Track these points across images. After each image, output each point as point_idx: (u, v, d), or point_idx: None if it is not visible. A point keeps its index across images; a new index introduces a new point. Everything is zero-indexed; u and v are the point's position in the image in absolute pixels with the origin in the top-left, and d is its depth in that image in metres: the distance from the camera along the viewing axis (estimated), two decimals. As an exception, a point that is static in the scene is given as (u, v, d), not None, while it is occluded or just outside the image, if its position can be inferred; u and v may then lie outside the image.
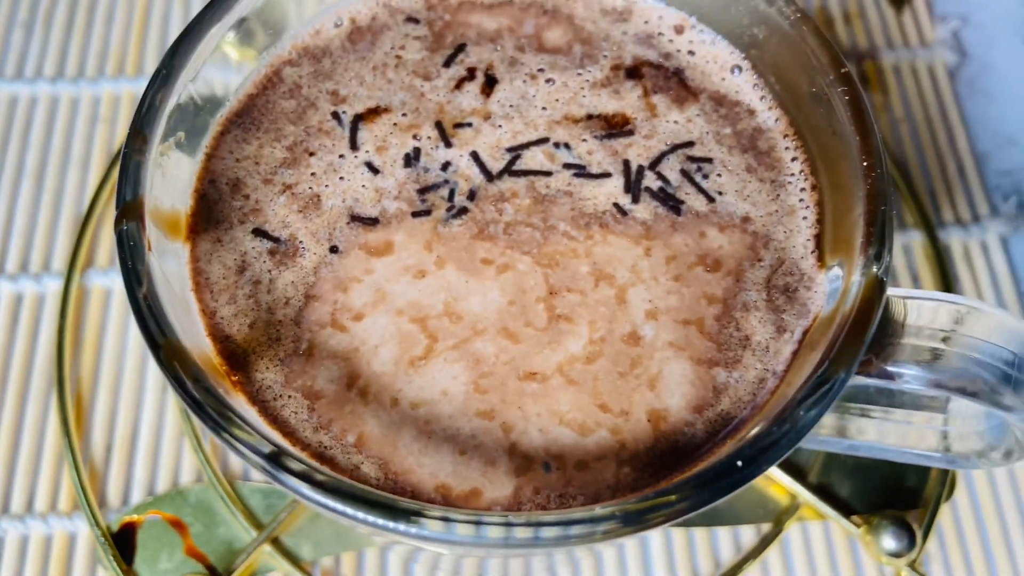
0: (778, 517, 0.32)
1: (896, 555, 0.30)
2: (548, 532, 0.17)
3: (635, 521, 0.17)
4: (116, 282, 0.35)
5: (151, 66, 0.39)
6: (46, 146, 0.37)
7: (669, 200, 0.23)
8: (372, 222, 0.22)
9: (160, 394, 0.33)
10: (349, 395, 0.20)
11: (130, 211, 0.19)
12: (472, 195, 0.23)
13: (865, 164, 0.21)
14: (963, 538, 0.32)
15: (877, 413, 0.26)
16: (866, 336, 0.19)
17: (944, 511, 0.32)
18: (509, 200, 0.23)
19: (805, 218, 0.23)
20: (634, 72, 0.24)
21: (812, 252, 0.22)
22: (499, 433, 0.20)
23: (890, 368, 0.21)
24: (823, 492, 0.32)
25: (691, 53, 0.25)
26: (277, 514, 0.30)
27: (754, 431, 0.19)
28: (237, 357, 0.21)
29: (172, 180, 0.21)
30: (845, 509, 0.32)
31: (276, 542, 0.31)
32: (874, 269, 0.20)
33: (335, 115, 0.23)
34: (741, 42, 0.24)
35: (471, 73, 0.24)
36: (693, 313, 0.21)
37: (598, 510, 0.17)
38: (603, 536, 0.17)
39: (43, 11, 0.40)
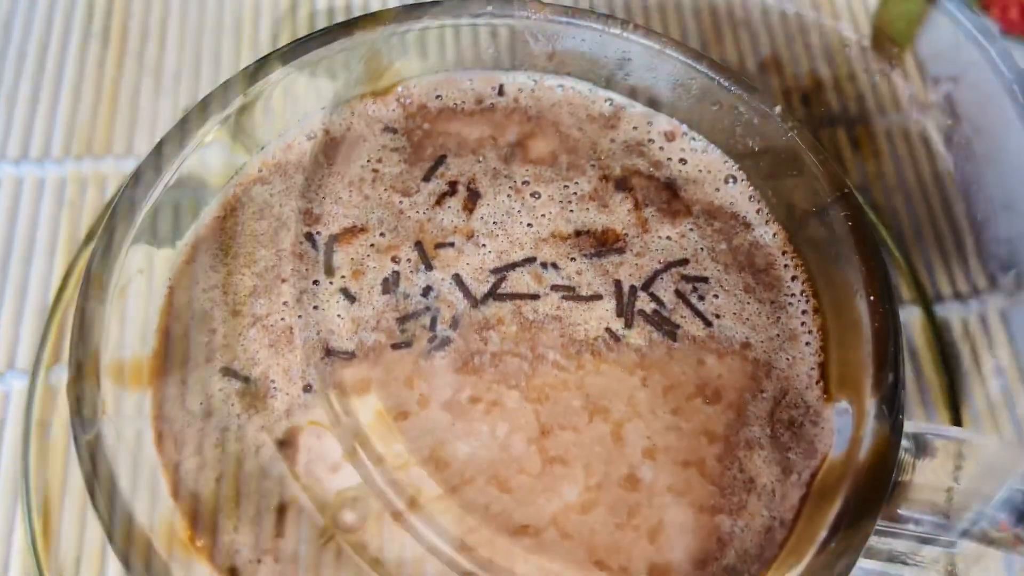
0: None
1: None
2: None
3: None
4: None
5: (120, 145, 0.38)
6: (10, 233, 0.36)
7: (664, 324, 0.21)
8: (349, 356, 0.21)
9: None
10: (325, 558, 0.19)
11: (83, 371, 0.18)
12: (455, 323, 0.21)
13: (871, 300, 0.19)
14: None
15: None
16: (883, 495, 0.18)
17: None
18: (495, 327, 0.21)
19: (808, 344, 0.21)
20: (623, 183, 0.23)
21: (817, 383, 0.21)
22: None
23: (904, 514, 0.20)
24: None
25: (683, 162, 0.24)
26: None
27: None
28: (203, 518, 0.19)
29: (132, 322, 0.20)
30: None
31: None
32: (888, 421, 0.18)
33: (309, 236, 0.22)
34: (735, 151, 0.23)
35: (452, 187, 0.23)
36: (693, 453, 0.20)
37: None
38: None
39: (5, 88, 0.38)
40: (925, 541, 0.23)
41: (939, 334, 0.36)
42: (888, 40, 0.41)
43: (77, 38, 0.39)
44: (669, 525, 0.19)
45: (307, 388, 0.20)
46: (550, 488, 0.20)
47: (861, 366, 0.19)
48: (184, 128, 0.21)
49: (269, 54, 0.22)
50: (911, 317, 0.36)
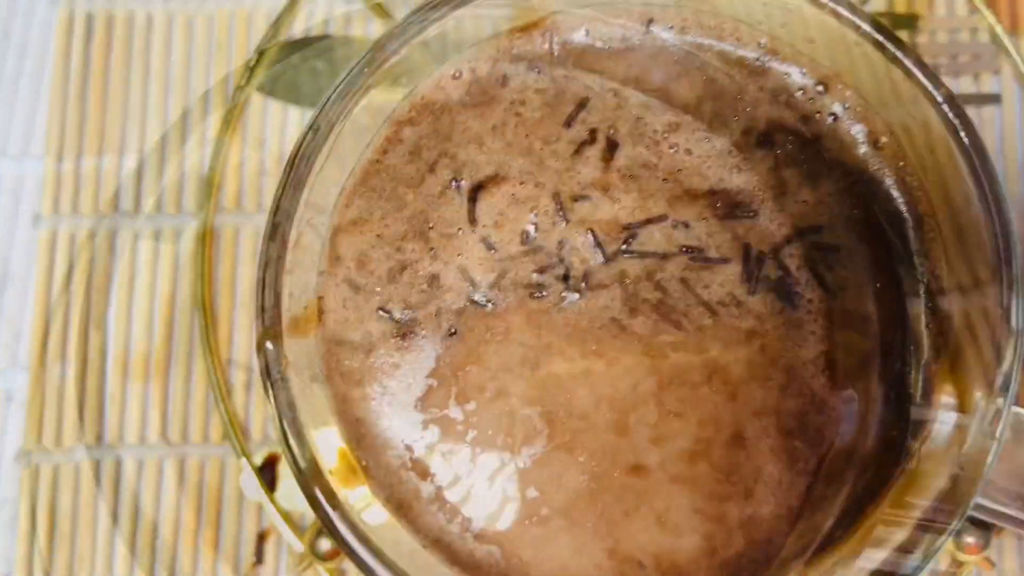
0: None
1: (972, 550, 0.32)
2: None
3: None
4: (243, 222, 0.36)
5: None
6: (166, 77, 0.38)
7: (785, 292, 0.22)
8: (488, 305, 0.23)
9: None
10: (468, 481, 0.22)
11: (271, 333, 0.21)
12: (586, 277, 0.23)
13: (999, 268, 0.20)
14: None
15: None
16: (981, 475, 0.19)
17: None
18: (622, 284, 0.23)
19: (929, 326, 0.22)
20: (766, 139, 0.23)
21: (934, 359, 0.22)
22: (603, 528, 0.22)
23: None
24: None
25: (832, 116, 0.23)
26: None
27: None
28: (365, 442, 0.23)
29: (300, 276, 0.22)
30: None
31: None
32: (999, 423, 0.20)
33: (455, 183, 0.23)
34: (890, 112, 0.22)
35: (592, 135, 0.23)
36: (798, 421, 0.22)
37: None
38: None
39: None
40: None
41: None
42: None
43: None
44: (764, 483, 0.22)
45: (451, 332, 0.23)
46: (663, 438, 0.22)
47: (977, 359, 0.20)
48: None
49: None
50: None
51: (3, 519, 0.36)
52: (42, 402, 0.36)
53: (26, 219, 0.37)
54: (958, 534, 0.32)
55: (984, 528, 0.32)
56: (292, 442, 0.20)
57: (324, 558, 0.33)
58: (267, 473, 0.35)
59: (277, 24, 0.37)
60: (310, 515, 0.34)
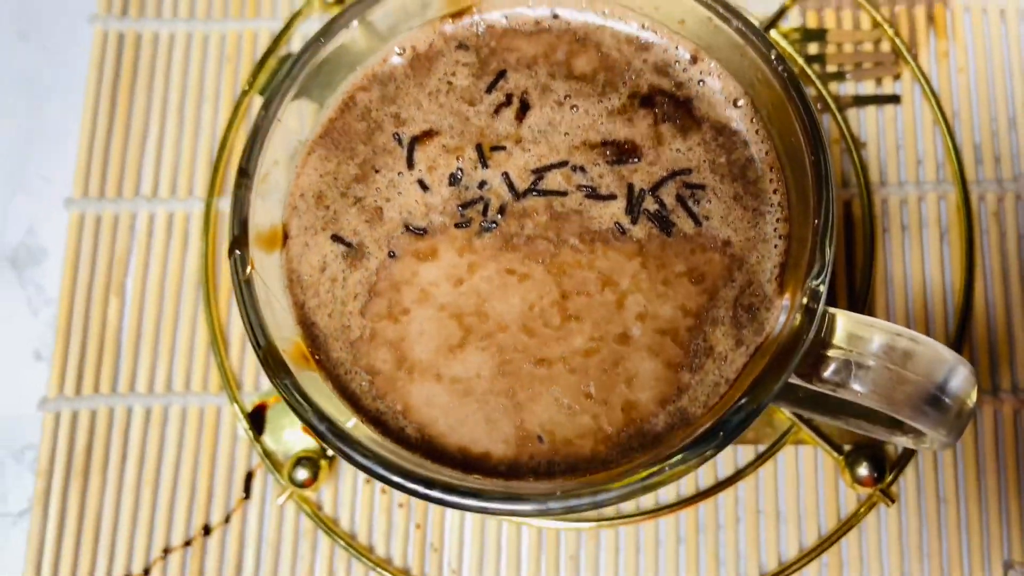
0: (775, 441, 0.38)
1: (867, 482, 0.36)
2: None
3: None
4: (244, 207, 0.42)
5: (267, 10, 0.44)
6: (184, 83, 0.44)
7: (662, 222, 0.28)
8: (421, 232, 0.28)
9: (280, 304, 0.41)
10: (399, 373, 0.27)
11: (239, 242, 0.26)
12: (502, 210, 0.28)
13: (816, 222, 0.25)
14: (939, 474, 0.37)
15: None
16: (791, 361, 0.24)
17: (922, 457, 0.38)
18: (531, 216, 0.28)
19: (776, 246, 0.27)
20: (648, 100, 0.28)
21: (776, 278, 0.27)
22: (511, 408, 0.27)
23: (828, 377, 0.26)
24: (816, 428, 0.38)
25: (701, 83, 0.28)
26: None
27: (700, 430, 0.25)
28: (319, 340, 0.28)
29: (269, 201, 0.28)
30: (835, 445, 0.37)
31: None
32: (805, 302, 0.24)
33: (396, 137, 0.29)
34: (744, 79, 0.28)
35: (508, 99, 0.29)
36: (671, 323, 0.27)
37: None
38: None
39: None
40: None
41: (970, 211, 0.39)
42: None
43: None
44: (643, 373, 0.27)
45: (391, 254, 0.28)
46: (564, 338, 0.27)
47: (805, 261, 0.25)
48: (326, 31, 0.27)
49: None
50: (948, 195, 0.40)
51: (26, 461, 0.41)
52: (65, 357, 0.41)
53: (58, 202, 0.43)
54: (851, 466, 0.36)
55: (876, 461, 0.36)
56: (253, 322, 0.25)
57: (301, 485, 0.38)
58: (255, 418, 0.40)
59: (276, 40, 0.44)
60: (290, 451, 0.39)
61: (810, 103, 0.25)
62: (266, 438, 0.40)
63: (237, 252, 0.26)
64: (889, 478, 0.36)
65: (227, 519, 0.39)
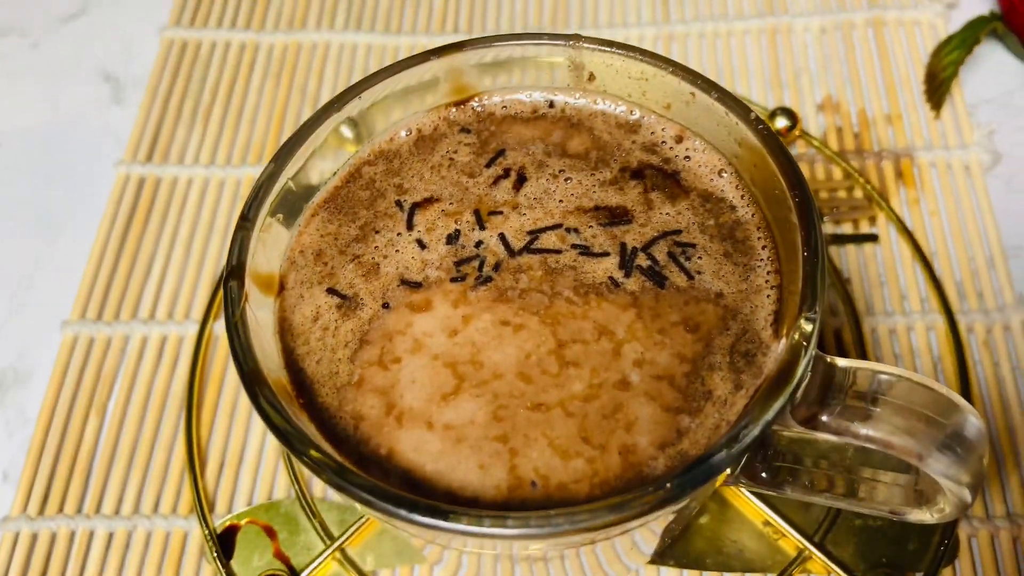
0: (785, 569, 0.35)
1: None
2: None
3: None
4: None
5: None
6: (196, 219, 0.46)
7: (655, 276, 0.28)
8: (416, 286, 0.28)
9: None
10: (387, 419, 0.26)
11: (235, 273, 0.26)
12: (497, 266, 0.29)
13: (805, 254, 0.25)
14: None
15: (846, 471, 0.30)
16: (785, 390, 0.23)
17: (945, 574, 0.35)
18: (525, 272, 0.28)
19: (768, 296, 0.27)
20: (638, 173, 0.30)
21: (771, 324, 0.27)
22: (505, 454, 0.25)
23: (827, 420, 0.25)
24: (828, 552, 0.35)
25: (687, 158, 0.30)
26: (347, 529, 0.37)
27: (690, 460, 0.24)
28: (305, 385, 0.27)
29: (271, 248, 0.28)
30: (848, 569, 0.35)
31: (344, 552, 0.37)
32: (796, 337, 0.24)
33: (398, 203, 0.30)
34: (727, 150, 0.30)
35: (506, 172, 0.31)
36: (668, 370, 0.26)
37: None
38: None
39: (202, 110, 0.49)
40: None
41: (959, 340, 0.40)
42: (938, 84, 0.46)
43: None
44: (642, 418, 0.26)
45: (385, 305, 0.28)
46: (562, 384, 0.26)
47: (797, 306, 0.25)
48: (314, 123, 0.29)
49: (378, 72, 0.30)
50: (936, 324, 0.40)
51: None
52: (33, 476, 0.39)
53: (55, 326, 0.43)
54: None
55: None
56: (241, 345, 0.25)
57: None
58: (225, 542, 0.37)
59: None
60: None
61: (788, 153, 0.27)
62: (235, 564, 0.37)
63: (232, 283, 0.26)
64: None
65: (181, 656, 0.36)
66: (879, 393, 0.25)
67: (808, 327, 0.24)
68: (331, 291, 0.29)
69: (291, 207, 0.30)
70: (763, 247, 0.28)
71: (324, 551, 0.36)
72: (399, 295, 0.28)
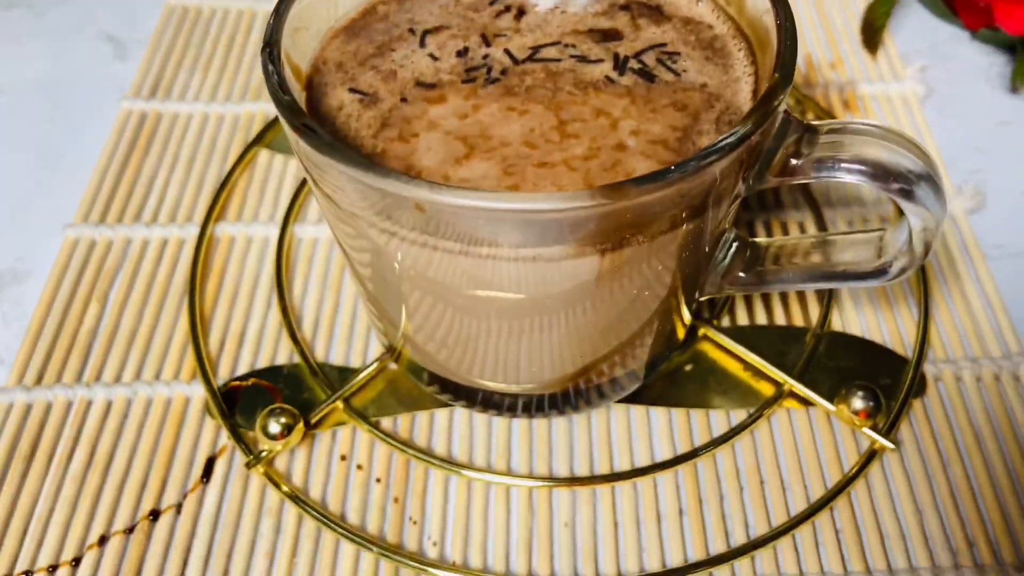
0: (767, 401, 0.37)
1: (864, 416, 0.35)
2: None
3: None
4: (240, 230, 0.44)
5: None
6: (196, 145, 0.48)
7: (646, 75, 0.31)
8: (431, 87, 0.31)
9: (267, 295, 0.42)
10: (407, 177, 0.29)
11: (272, 43, 0.29)
12: (504, 71, 0.32)
13: (777, 22, 0.29)
14: (933, 424, 0.37)
15: (816, 252, 0.33)
16: (775, 101, 0.27)
17: (916, 404, 0.37)
18: (529, 74, 0.32)
19: (746, 83, 0.31)
20: (626, 7, 0.34)
21: (751, 100, 0.30)
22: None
23: (805, 159, 0.28)
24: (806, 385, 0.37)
25: (668, -5, 0.34)
26: (350, 381, 0.38)
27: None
28: (333, 151, 0.29)
29: (297, 50, 0.31)
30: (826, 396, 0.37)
31: (347, 402, 0.38)
32: (781, 70, 0.28)
33: (411, 30, 0.34)
34: (704, -17, 0.34)
35: (507, 8, 0.34)
36: (663, 135, 0.29)
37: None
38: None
39: (203, 60, 0.53)
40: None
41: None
42: (873, 32, 0.51)
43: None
44: (640, 170, 0.29)
45: (403, 99, 0.31)
46: (565, 148, 0.29)
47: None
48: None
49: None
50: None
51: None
52: (31, 352, 0.40)
53: (56, 232, 0.45)
54: (848, 396, 0.36)
55: (871, 396, 0.36)
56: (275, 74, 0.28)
57: (274, 437, 0.36)
58: (228, 399, 0.38)
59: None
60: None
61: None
62: (238, 417, 0.37)
63: (269, 50, 0.29)
64: (884, 419, 0.36)
65: (179, 505, 0.36)
66: (856, 133, 0.29)
67: (789, 67, 0.28)
68: (353, 90, 0.31)
69: (312, 28, 0.33)
70: (739, 50, 0.32)
71: (329, 399, 0.37)
72: (415, 92, 0.31)
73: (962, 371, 0.38)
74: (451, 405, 0.38)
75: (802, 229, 0.44)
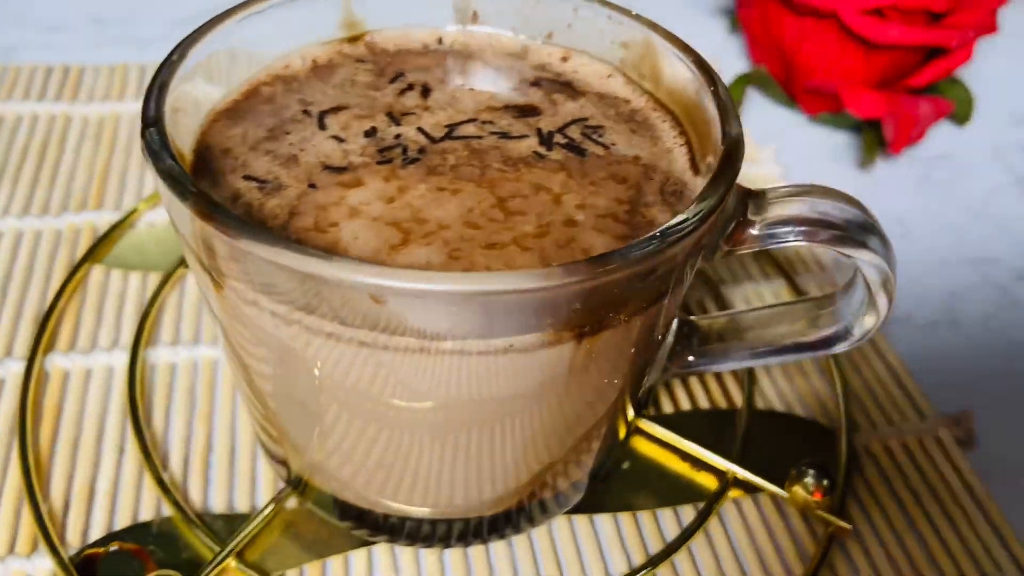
0: (712, 497, 0.35)
1: (820, 495, 0.33)
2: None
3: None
4: (77, 361, 0.37)
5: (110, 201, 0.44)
6: (10, 267, 0.41)
7: (575, 149, 0.29)
8: (342, 170, 0.27)
9: (118, 436, 0.34)
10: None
11: (153, 123, 0.24)
12: (421, 150, 0.28)
13: (712, 91, 0.28)
14: (878, 498, 0.36)
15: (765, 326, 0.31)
16: (734, 169, 0.25)
17: (857, 479, 0.36)
18: (451, 153, 0.28)
19: (680, 151, 0.29)
20: (536, 82, 0.32)
21: (689, 168, 0.29)
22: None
23: (769, 219, 0.27)
24: (749, 468, 0.35)
25: (575, 72, 0.33)
26: (240, 531, 0.31)
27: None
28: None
29: (180, 131, 0.26)
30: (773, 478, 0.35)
31: (240, 557, 0.31)
32: (729, 139, 0.26)
33: (305, 112, 0.29)
34: (612, 57, 0.32)
35: (410, 86, 0.31)
36: (610, 208, 0.27)
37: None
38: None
39: (11, 169, 0.45)
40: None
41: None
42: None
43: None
44: (596, 246, 0.26)
45: (312, 185, 0.27)
46: (511, 227, 0.26)
47: (714, 142, 0.27)
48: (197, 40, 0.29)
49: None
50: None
51: None
52: None
53: None
54: (800, 478, 0.34)
55: (823, 474, 0.34)
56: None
57: None
58: (85, 572, 0.31)
59: (122, 221, 0.43)
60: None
61: (670, 32, 0.30)
62: (100, 596, 0.30)
63: (151, 131, 0.24)
64: (837, 494, 0.34)
65: None
66: (801, 196, 0.27)
67: (735, 131, 0.26)
68: (248, 177, 0.27)
69: (191, 109, 0.28)
70: (663, 121, 0.31)
71: (218, 556, 0.30)
72: (325, 177, 0.27)
73: (888, 439, 0.38)
74: (370, 542, 0.32)
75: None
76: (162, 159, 0.23)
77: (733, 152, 0.26)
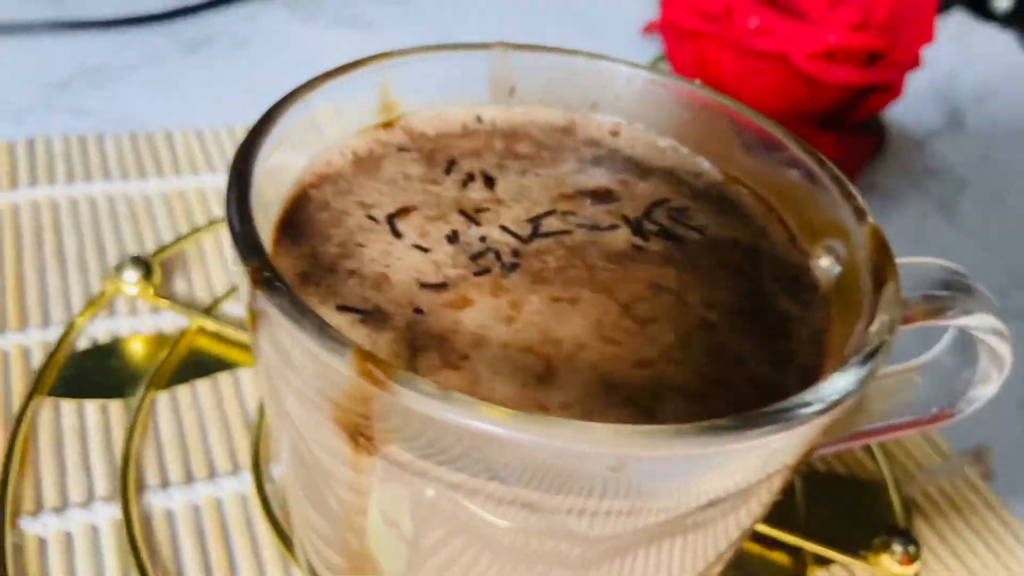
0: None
1: (908, 563, 0.33)
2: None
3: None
4: (51, 523, 0.30)
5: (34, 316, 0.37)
6: (-72, 411, 0.33)
7: (670, 236, 0.27)
8: (441, 286, 0.24)
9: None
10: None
11: (264, 266, 0.19)
12: (515, 253, 0.25)
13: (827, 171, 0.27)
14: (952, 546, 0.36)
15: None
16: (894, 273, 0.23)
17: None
18: (547, 253, 0.25)
19: (775, 228, 0.28)
20: (597, 161, 0.29)
21: (793, 249, 0.27)
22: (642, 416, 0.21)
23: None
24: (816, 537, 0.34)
25: (632, 146, 0.30)
26: None
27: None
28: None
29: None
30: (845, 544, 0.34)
31: None
32: (871, 221, 0.25)
33: (370, 217, 0.25)
34: (666, 128, 0.30)
35: (470, 176, 0.28)
36: (738, 305, 0.25)
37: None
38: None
39: None
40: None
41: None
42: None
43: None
44: (746, 350, 0.24)
45: (417, 311, 0.23)
46: (651, 338, 0.23)
47: (831, 214, 0.26)
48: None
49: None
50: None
51: None
52: None
53: None
54: (884, 548, 0.33)
55: (907, 539, 0.33)
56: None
57: None
58: None
59: (61, 341, 0.36)
60: None
61: (732, 100, 0.29)
62: None
63: (266, 273, 0.19)
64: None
65: None
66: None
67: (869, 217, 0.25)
68: (343, 308, 0.22)
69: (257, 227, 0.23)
70: (743, 196, 0.29)
71: None
72: (427, 298, 0.23)
73: (925, 485, 0.38)
74: None
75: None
76: (310, 317, 0.18)
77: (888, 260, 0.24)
